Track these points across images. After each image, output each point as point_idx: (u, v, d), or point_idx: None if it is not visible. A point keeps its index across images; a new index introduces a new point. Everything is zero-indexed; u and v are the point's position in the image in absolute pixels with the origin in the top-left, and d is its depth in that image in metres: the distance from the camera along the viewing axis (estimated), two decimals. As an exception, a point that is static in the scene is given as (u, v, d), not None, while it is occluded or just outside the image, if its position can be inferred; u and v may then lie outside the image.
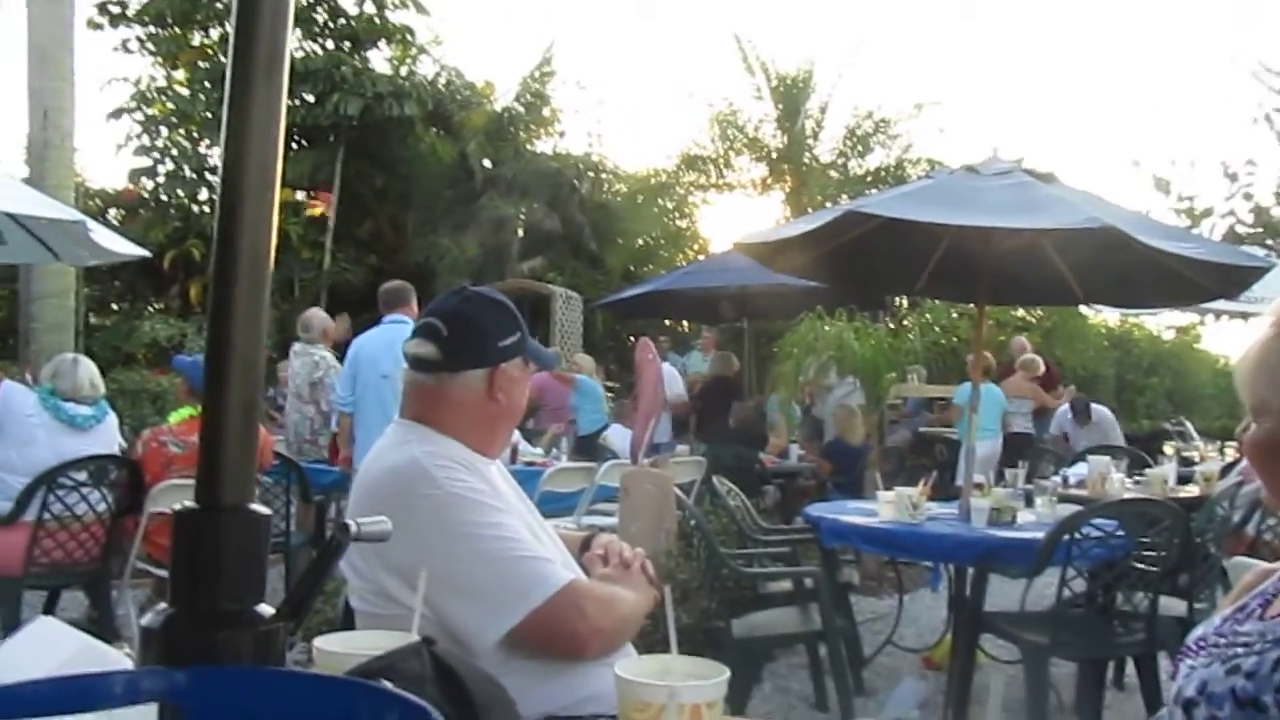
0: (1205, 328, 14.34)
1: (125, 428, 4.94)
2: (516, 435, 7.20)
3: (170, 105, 14.53)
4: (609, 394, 10.37)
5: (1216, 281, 4.57)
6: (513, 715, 1.05)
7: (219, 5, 13.91)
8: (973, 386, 4.95)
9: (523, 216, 14.85)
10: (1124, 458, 6.41)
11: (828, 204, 11.02)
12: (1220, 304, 7.96)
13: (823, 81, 15.05)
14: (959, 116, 30.43)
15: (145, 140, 14.81)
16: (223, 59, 13.53)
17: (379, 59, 15.29)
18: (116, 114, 14.59)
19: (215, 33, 14.50)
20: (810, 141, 15.09)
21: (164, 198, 14.59)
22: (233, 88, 0.84)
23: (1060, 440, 9.31)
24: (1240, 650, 1.14)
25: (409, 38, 15.26)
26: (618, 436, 8.13)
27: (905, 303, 12.42)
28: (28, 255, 5.80)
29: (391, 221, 15.12)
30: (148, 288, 14.48)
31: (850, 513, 4.59)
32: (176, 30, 14.42)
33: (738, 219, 16.94)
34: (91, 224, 5.16)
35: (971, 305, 5.64)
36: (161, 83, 14.89)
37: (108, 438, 4.53)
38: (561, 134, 16.55)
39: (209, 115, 13.58)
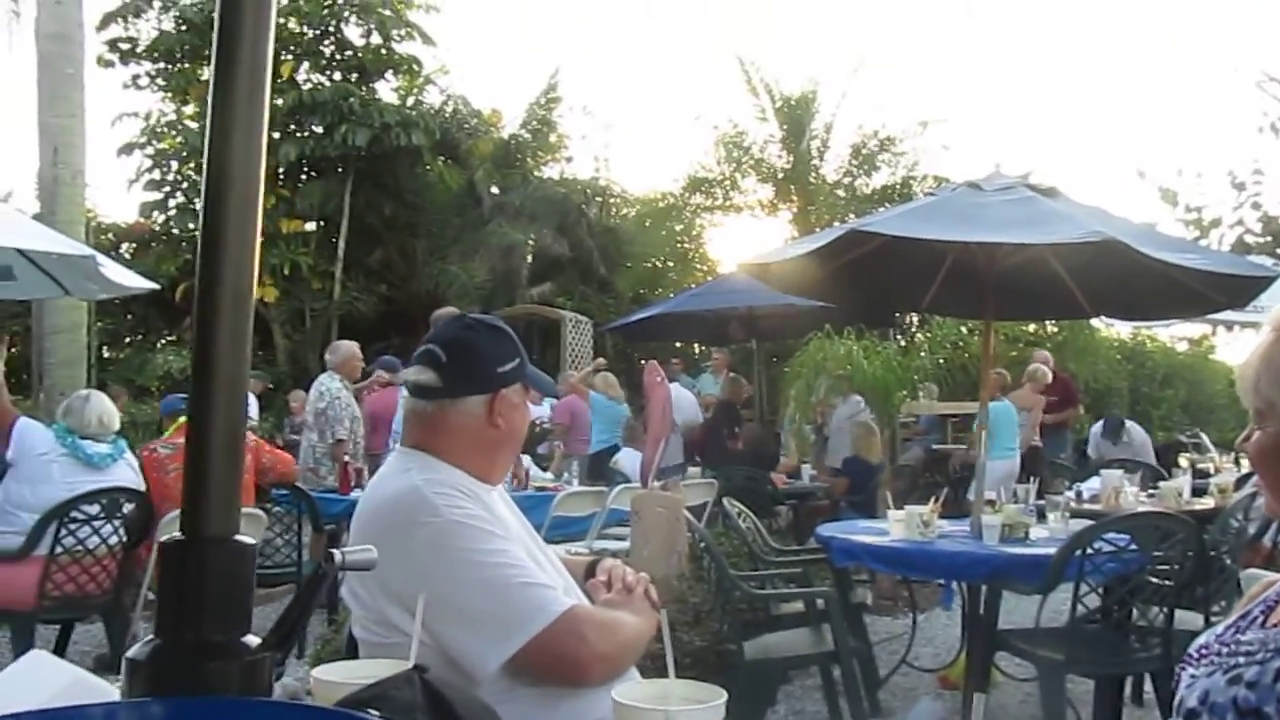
0: (1218, 339, 14.27)
1: (139, 457, 5.00)
2: (527, 461, 7.20)
3: (180, 140, 14.67)
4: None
5: (1223, 292, 4.55)
6: (506, 742, 1.04)
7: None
8: (982, 403, 4.93)
9: (531, 242, 14.93)
10: (1138, 470, 6.37)
11: (835, 223, 11.02)
12: (1232, 315, 7.93)
13: (827, 101, 15.11)
14: (964, 133, 30.48)
15: (156, 174, 14.97)
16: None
17: (386, 90, 15.45)
18: (127, 149, 14.76)
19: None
20: (816, 161, 15.12)
21: (175, 231, 14.72)
22: (214, 116, 0.85)
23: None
24: (1242, 659, 1.13)
25: (415, 68, 15.40)
26: (628, 460, 8.12)
27: (916, 320, 12.41)
28: (37, 290, 5.84)
29: (401, 250, 15.21)
30: (160, 320, 14.58)
31: (861, 532, 4.57)
32: (185, 65, 14.59)
33: (746, 240, 16.95)
34: (101, 258, 5.20)
35: (981, 321, 5.62)
36: (171, 117, 15.05)
37: (125, 475, 4.54)
38: (569, 159, 16.67)
39: (218, 148, 13.70)
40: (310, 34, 14.88)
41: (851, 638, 4.16)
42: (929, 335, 10.32)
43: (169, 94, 15.02)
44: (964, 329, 9.42)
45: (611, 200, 16.76)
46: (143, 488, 4.60)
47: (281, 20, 14.58)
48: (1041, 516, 4.61)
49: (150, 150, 14.80)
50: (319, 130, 14.19)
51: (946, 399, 10.83)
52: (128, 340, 14.97)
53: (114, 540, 4.35)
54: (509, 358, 1.88)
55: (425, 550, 1.68)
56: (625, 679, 1.74)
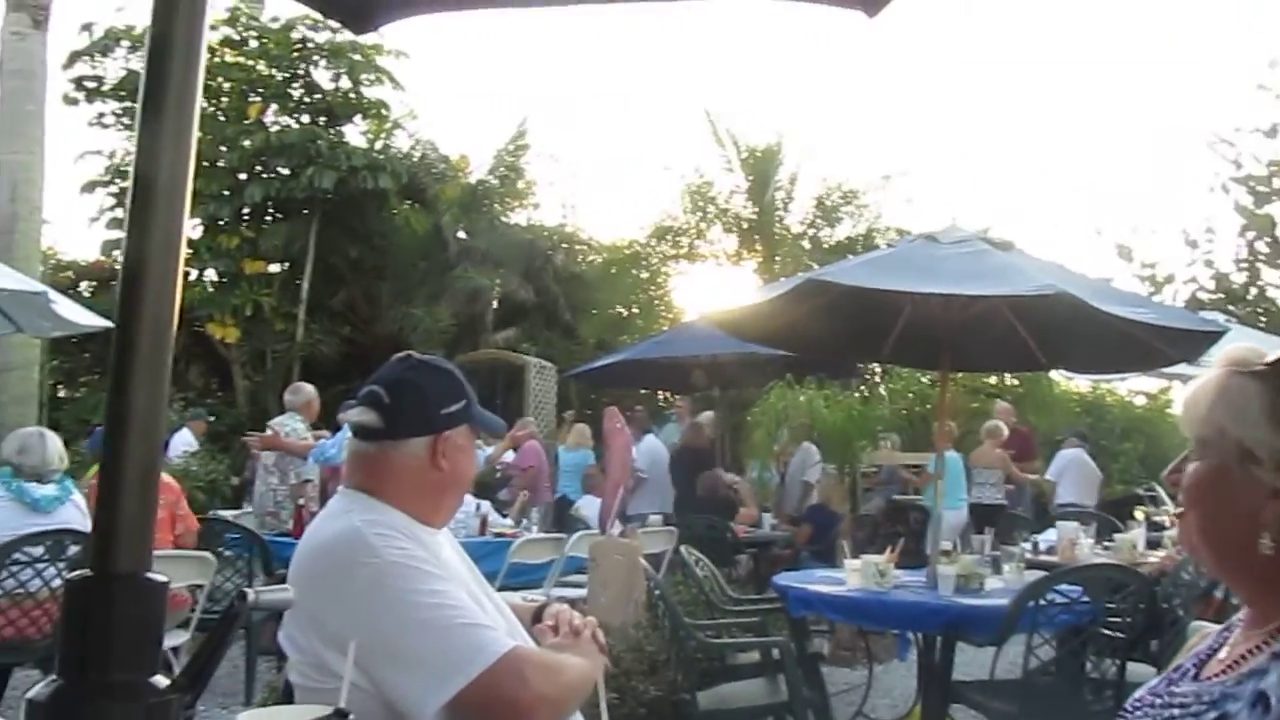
0: (1174, 394, 14.50)
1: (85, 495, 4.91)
2: (486, 506, 7.14)
3: (144, 179, 14.55)
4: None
5: (1176, 346, 4.63)
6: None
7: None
8: (937, 453, 4.96)
9: (497, 287, 14.92)
10: (1093, 523, 6.42)
11: (798, 273, 11.13)
12: (1187, 369, 8.04)
13: (791, 153, 15.32)
14: (927, 187, 30.91)
15: (119, 213, 14.83)
16: (199, 133, 13.78)
17: (354, 133, 15.45)
18: (90, 187, 14.64)
19: (191, 108, 14.63)
20: (780, 212, 15.30)
21: (136, 270, 14.54)
22: (139, 154, 0.84)
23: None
24: (1176, 712, 1.13)
25: (384, 112, 15.44)
26: (588, 506, 8.07)
27: (879, 370, 12.50)
28: (-11, 327, 5.77)
29: (366, 293, 15.14)
30: (118, 360, 14.36)
31: (818, 581, 4.56)
32: (152, 105, 14.49)
33: (711, 289, 17.07)
34: (54, 295, 5.15)
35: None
36: (136, 156, 14.94)
37: (72, 516, 4.43)
38: (535, 206, 16.73)
39: (183, 188, 13.64)
40: (279, 76, 14.89)
41: (807, 688, 4.13)
42: (890, 386, 10.39)
43: (134, 132, 14.93)
44: (925, 380, 9.51)
45: (578, 247, 16.82)
46: (89, 528, 4.49)
47: (250, 62, 14.60)
48: (997, 567, 4.62)
49: (114, 188, 14.68)
50: (285, 172, 14.15)
51: (909, 449, 10.89)
52: (83, 380, 14.74)
53: (56, 583, 4.24)
54: (454, 399, 1.86)
55: (364, 592, 1.66)
56: (570, 723, 1.72)
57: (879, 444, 9.85)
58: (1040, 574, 4.18)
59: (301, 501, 6.50)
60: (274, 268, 14.63)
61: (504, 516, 7.59)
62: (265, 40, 14.64)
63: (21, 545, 4.13)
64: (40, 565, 4.18)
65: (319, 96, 15.03)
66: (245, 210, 14.28)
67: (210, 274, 14.34)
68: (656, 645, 4.53)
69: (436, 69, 34.46)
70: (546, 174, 16.61)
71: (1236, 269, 13.83)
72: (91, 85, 14.51)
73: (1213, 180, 13.89)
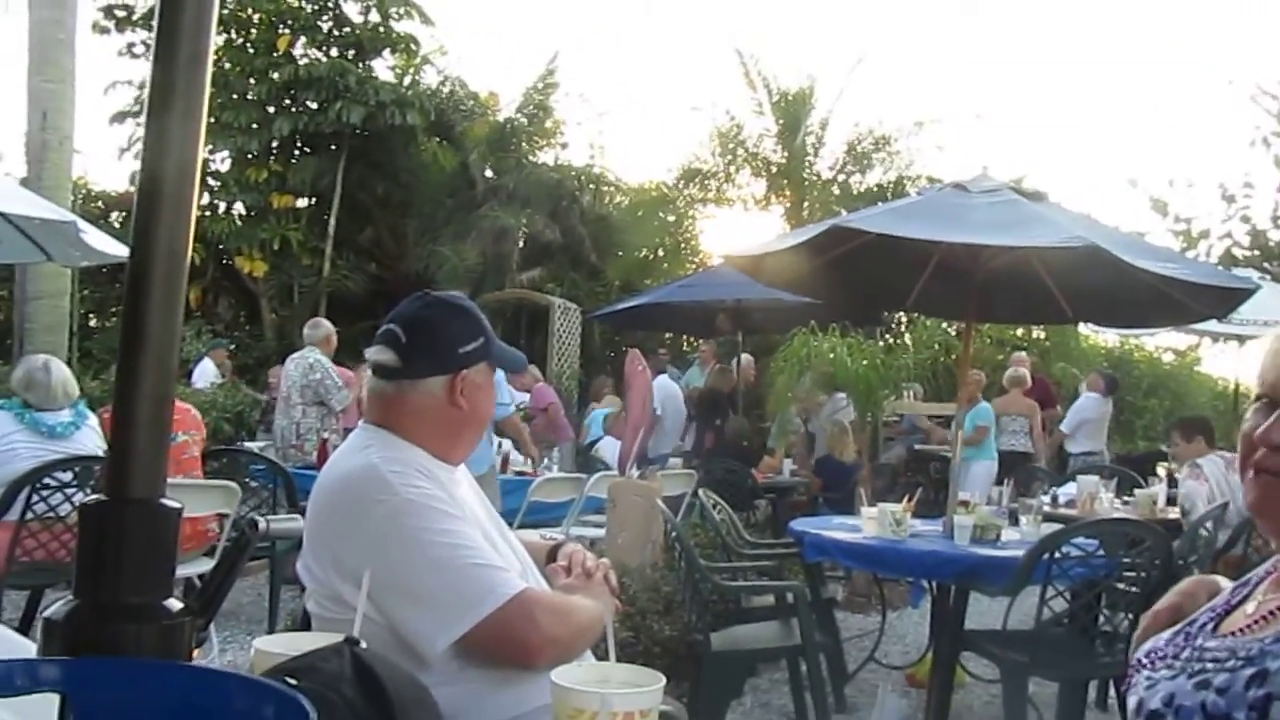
0: (1203, 351, 14.35)
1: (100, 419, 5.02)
2: (508, 445, 7.20)
3: (173, 110, 14.54)
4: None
5: (1204, 303, 4.57)
6: (435, 718, 1.04)
7: (225, 11, 13.96)
8: (959, 404, 4.94)
9: (524, 227, 14.88)
10: (1114, 477, 6.40)
11: (826, 219, 11.03)
12: (1217, 326, 7.97)
13: (824, 97, 15.07)
14: (959, 134, 30.43)
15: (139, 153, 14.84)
16: (227, 65, 13.70)
17: (383, 68, 15.36)
18: (120, 118, 14.65)
19: (221, 38, 14.56)
20: (810, 157, 15.10)
21: (165, 201, 14.59)
22: (154, 87, 0.84)
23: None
24: (1210, 665, 1.12)
25: (413, 47, 15.32)
26: (608, 448, 8.13)
27: (904, 319, 12.42)
28: (20, 255, 5.82)
29: (392, 229, 15.15)
30: (147, 290, 14.48)
31: (834, 528, 4.57)
32: (182, 35, 14.43)
33: (738, 233, 16.94)
34: (82, 224, 5.17)
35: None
36: (165, 87, 14.91)
37: (90, 441, 4.50)
38: (564, 145, 16.60)
39: (212, 120, 13.63)
40: (308, 9, 14.79)
41: (820, 633, 4.17)
42: (915, 335, 10.33)
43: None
44: (950, 330, 9.44)
45: (605, 188, 16.71)
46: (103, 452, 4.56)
47: (281, -6, 14.50)
48: (1014, 519, 4.63)
49: (143, 119, 14.68)
50: (314, 106, 14.11)
51: (931, 399, 10.87)
52: (113, 310, 14.88)
53: (84, 510, 4.31)
54: (472, 337, 1.86)
55: (379, 528, 1.68)
56: (581, 661, 1.74)
57: (902, 393, 9.82)
58: (1057, 527, 4.18)
59: (326, 435, 6.58)
60: (301, 202, 14.66)
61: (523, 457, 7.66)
62: (295, -29, 14.53)
63: (51, 470, 4.21)
64: (69, 490, 4.26)
65: (348, 30, 14.93)
66: (274, 144, 14.28)
67: (239, 207, 14.40)
68: (672, 586, 4.59)
69: (466, 4, 34.08)
70: (575, 113, 16.47)
71: (1274, 225, 13.57)
72: (121, 14, 14.46)
73: (1253, 134, 13.58)
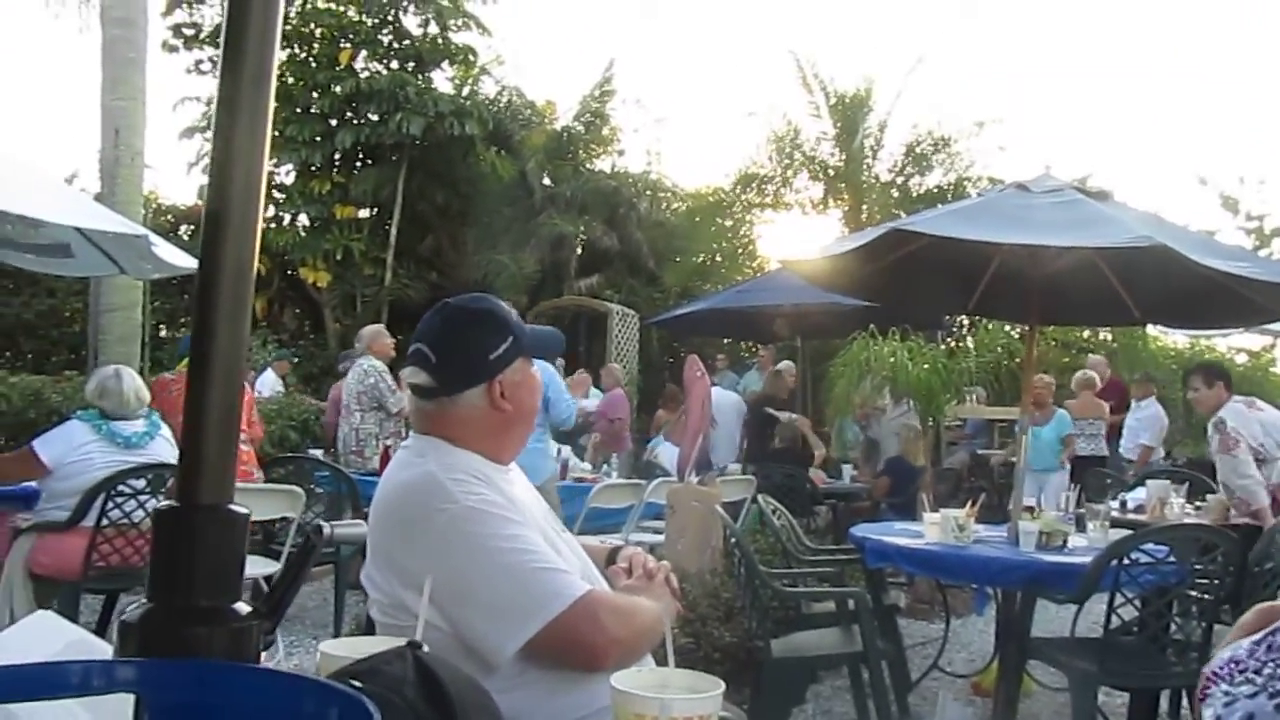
0: (1278, 352, 13.95)
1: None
2: (567, 451, 7.24)
3: (239, 125, 14.87)
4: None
5: (1278, 302, 4.44)
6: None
7: (288, 27, 14.25)
8: (1023, 408, 4.86)
9: (581, 234, 14.97)
10: (1185, 482, 6.24)
11: (885, 223, 10.92)
12: (1291, 326, 7.74)
13: (882, 99, 14.94)
14: (1021, 134, 29.94)
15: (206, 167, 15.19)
16: (291, 79, 13.98)
17: (442, 79, 15.57)
18: (189, 133, 15.02)
19: (284, 54, 14.86)
20: (869, 160, 14.97)
21: (232, 214, 14.93)
22: (220, 102, 0.86)
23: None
24: None
25: (471, 58, 15.50)
26: (666, 454, 8.12)
27: (966, 323, 12.25)
28: (94, 269, 5.98)
29: (452, 238, 15.34)
30: (215, 302, 14.81)
31: (896, 534, 4.53)
32: (247, 52, 14.76)
33: (795, 238, 16.84)
34: (153, 238, 5.30)
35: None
36: (232, 102, 15.26)
37: (164, 450, 4.61)
38: (620, 152, 16.69)
39: (277, 134, 13.92)
40: (369, 23, 15.05)
41: (883, 640, 4.12)
42: (977, 339, 10.18)
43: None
44: (1014, 333, 9.28)
45: (662, 194, 16.75)
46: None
47: (341, 8, 14.76)
48: (1081, 525, 4.54)
49: (210, 134, 15.04)
50: (374, 118, 14.35)
51: (994, 404, 10.69)
52: (183, 321, 15.25)
53: (156, 518, 4.40)
54: (498, 341, 1.84)
55: (441, 537, 1.69)
56: (641, 666, 1.74)
57: (964, 398, 9.68)
58: (1126, 533, 4.09)
59: (389, 442, 6.66)
60: (363, 213, 14.91)
61: (583, 461, 7.69)
62: (355, -14, 14.78)
63: (125, 478, 4.32)
64: (143, 497, 4.37)
65: (407, 42, 15.16)
66: (336, 156, 14.54)
67: (303, 219, 14.69)
68: (732, 592, 4.57)
69: (523, 14, 34.41)
70: (632, 120, 16.55)
71: (1350, 222, 13.17)
72: (189, 32, 14.85)
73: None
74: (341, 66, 14.52)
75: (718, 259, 16.23)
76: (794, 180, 15.40)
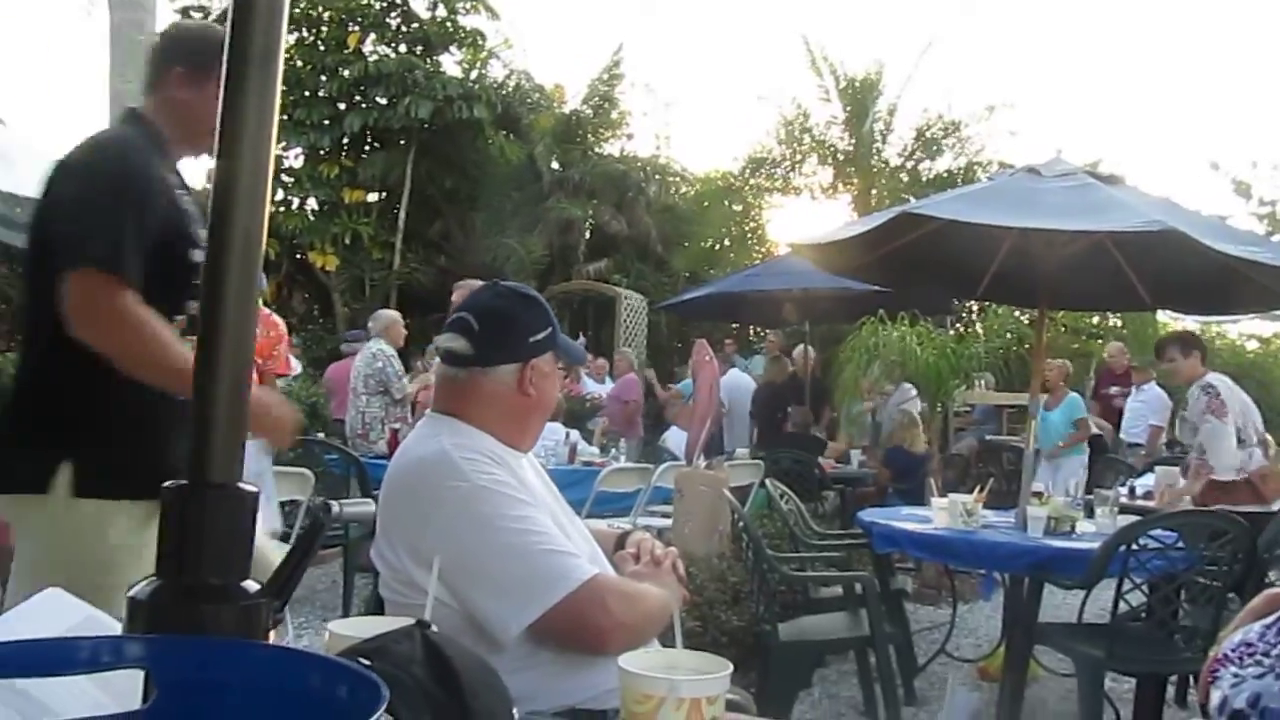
0: (1290, 338, 13.91)
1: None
2: (575, 435, 7.25)
3: (247, 108, 14.87)
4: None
5: (1289, 287, 4.42)
6: (504, 700, 1.05)
7: (295, 10, 14.22)
8: (1032, 393, 4.85)
9: (590, 218, 14.94)
10: (1194, 469, 6.20)
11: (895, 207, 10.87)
12: (1303, 312, 7.71)
13: (892, 83, 14.88)
14: (1032, 119, 29.80)
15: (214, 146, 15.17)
16: (299, 63, 13.95)
17: (450, 63, 15.52)
18: (197, 116, 14.99)
19: (292, 37, 14.82)
20: (878, 144, 14.92)
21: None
22: (228, 78, 0.86)
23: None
24: None
25: (479, 41, 15.44)
26: (675, 438, 8.13)
27: (975, 308, 12.22)
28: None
29: (460, 222, 15.32)
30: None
31: (903, 519, 4.53)
32: (254, 35, 14.75)
33: (805, 222, 16.80)
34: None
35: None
36: (239, 85, 15.25)
37: None
38: (629, 136, 16.64)
39: (284, 118, 13.90)
40: (377, 6, 15.00)
41: (890, 624, 4.13)
42: (986, 324, 10.15)
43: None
44: (1023, 319, 9.26)
45: (671, 179, 16.71)
46: None
47: (349, -9, 14.72)
48: (1090, 511, 4.54)
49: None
50: (383, 102, 14.31)
51: (1003, 389, 10.68)
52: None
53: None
54: (541, 327, 1.88)
55: (451, 514, 1.70)
56: (649, 648, 1.75)
57: (973, 383, 9.67)
58: (1134, 519, 4.09)
59: (396, 426, 6.68)
60: (372, 197, 14.89)
61: (591, 445, 7.70)
62: (363, -32, 14.74)
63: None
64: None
65: (416, 25, 15.10)
66: (344, 139, 14.52)
67: (311, 203, 14.68)
68: (740, 576, 4.59)
69: (532, -3, 34.23)
70: (640, 104, 16.51)
71: (1364, 208, 13.09)
72: (198, 15, 14.79)
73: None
74: (349, 50, 14.48)
75: (727, 244, 16.22)
76: (803, 165, 15.36)
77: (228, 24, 0.85)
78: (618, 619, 1.69)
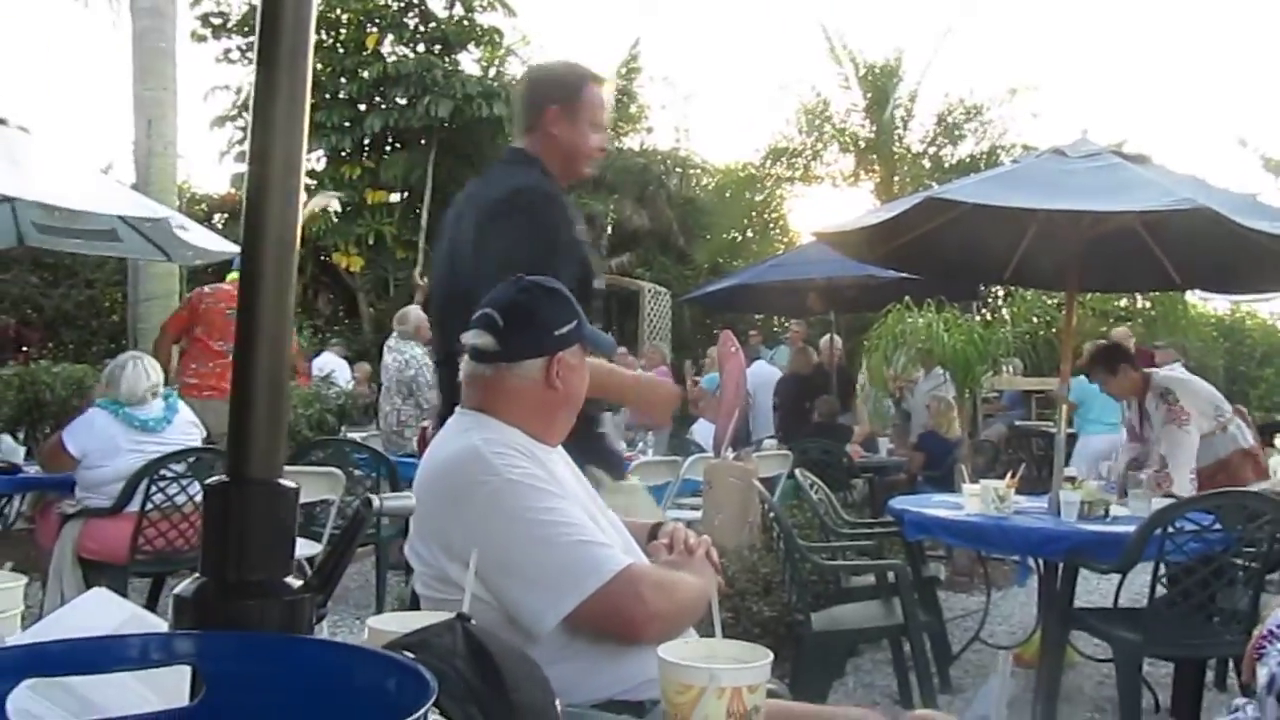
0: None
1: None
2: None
3: (270, 112, 14.98)
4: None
5: (1324, 265, 4.36)
6: (545, 692, 1.05)
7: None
8: (1063, 377, 4.80)
9: (611, 213, 14.95)
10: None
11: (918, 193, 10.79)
12: (1336, 290, 7.58)
13: (912, 69, 14.79)
14: (1055, 101, 29.52)
15: (246, 146, 15.31)
16: (319, 65, 14.03)
17: (468, 61, 15.56)
18: (220, 122, 15.13)
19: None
20: (900, 131, 14.83)
21: (265, 202, 15.06)
22: (259, 79, 0.87)
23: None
24: None
25: (497, 39, 15.48)
26: (702, 430, 8.12)
27: (1001, 293, 12.12)
28: (141, 252, 6.13)
29: (482, 220, 15.35)
30: (250, 289, 14.98)
31: (935, 505, 4.50)
32: (275, 39, 14.85)
33: (827, 211, 16.74)
34: (178, 220, 5.37)
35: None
36: (261, 90, 15.36)
37: (180, 432, 4.62)
38: (649, 130, 16.65)
39: (306, 120, 13.98)
40: (395, 6, 15.06)
41: (923, 612, 4.12)
42: (1013, 309, 10.07)
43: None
44: (1050, 302, 9.17)
45: (691, 171, 16.70)
46: (198, 437, 4.69)
47: (367, -7, 14.78)
48: (1124, 494, 4.49)
49: (241, 123, 15.16)
50: (403, 102, 14.38)
51: (1031, 374, 10.59)
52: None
53: (200, 498, 4.45)
54: (566, 320, 1.88)
55: (484, 509, 1.71)
56: (687, 638, 1.75)
57: (1001, 369, 9.58)
58: (1169, 501, 4.04)
59: (426, 423, 6.71)
60: (394, 197, 14.96)
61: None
62: (381, -30, 14.80)
63: (167, 462, 4.38)
64: (184, 480, 4.42)
65: (433, 25, 15.15)
66: (365, 141, 14.59)
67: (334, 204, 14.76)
68: (771, 567, 4.58)
69: (548, -7, 34.24)
70: (659, 97, 16.50)
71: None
72: (217, 22, 14.92)
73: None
74: (368, 51, 14.56)
75: (749, 235, 16.18)
76: (824, 153, 15.30)
77: (257, 23, 0.85)
78: (653, 609, 1.69)
